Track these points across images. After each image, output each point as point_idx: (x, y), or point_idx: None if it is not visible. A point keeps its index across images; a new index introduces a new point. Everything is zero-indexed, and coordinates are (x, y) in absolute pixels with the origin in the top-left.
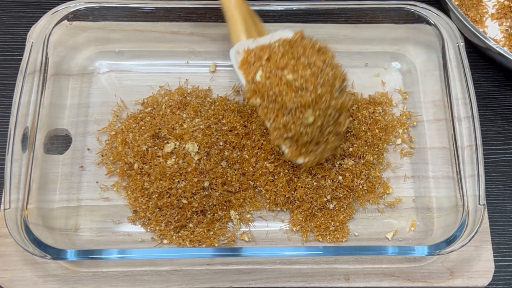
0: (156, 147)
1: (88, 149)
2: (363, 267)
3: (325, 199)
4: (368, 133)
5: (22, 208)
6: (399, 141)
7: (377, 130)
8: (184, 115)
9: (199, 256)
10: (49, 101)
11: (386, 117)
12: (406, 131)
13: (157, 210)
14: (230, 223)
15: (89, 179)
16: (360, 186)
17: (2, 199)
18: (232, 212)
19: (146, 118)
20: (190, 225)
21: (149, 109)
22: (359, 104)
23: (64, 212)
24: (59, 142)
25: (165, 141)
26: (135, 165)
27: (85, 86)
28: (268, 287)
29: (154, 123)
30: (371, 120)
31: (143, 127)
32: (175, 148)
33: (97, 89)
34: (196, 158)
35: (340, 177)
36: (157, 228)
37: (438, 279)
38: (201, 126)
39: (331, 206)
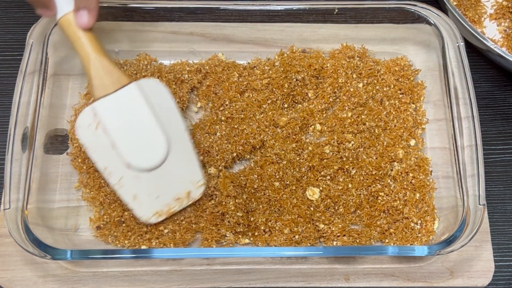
0: None
1: None
2: (363, 267)
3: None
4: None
5: (22, 208)
6: (412, 142)
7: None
8: None
9: (199, 256)
10: (49, 101)
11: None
12: (423, 130)
13: (123, 225)
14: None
15: None
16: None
17: (2, 199)
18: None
19: None
20: (166, 230)
21: None
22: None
23: (64, 212)
24: (59, 142)
25: None
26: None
27: (85, 86)
28: (268, 287)
29: None
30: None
31: None
32: None
33: None
34: None
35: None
36: (126, 241)
37: (438, 279)
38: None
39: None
